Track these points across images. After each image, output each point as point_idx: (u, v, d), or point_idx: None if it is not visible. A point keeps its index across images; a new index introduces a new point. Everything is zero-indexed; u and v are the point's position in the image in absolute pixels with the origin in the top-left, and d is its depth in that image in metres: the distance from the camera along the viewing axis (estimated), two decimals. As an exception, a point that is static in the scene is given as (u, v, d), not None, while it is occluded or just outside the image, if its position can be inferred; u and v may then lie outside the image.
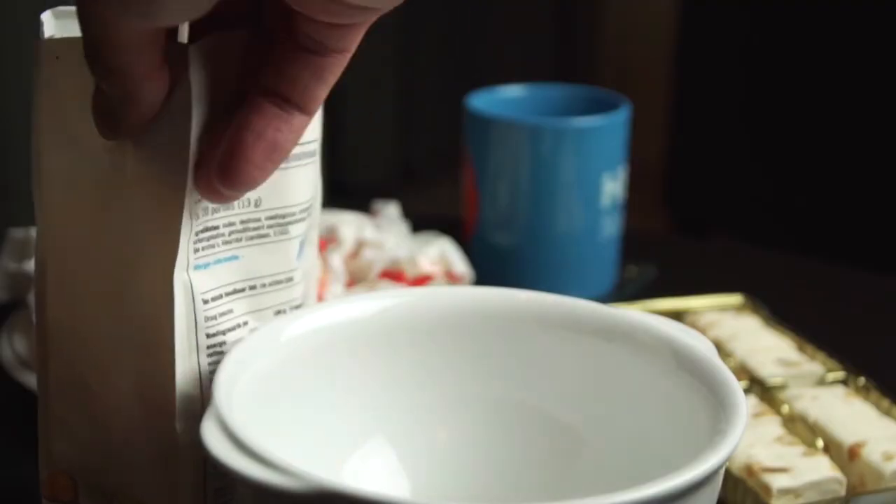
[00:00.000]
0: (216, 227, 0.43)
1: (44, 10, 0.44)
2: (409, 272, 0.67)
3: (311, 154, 0.46)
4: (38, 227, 0.44)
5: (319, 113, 0.45)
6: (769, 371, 0.63)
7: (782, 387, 0.62)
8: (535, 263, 0.78)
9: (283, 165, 0.42)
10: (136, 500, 0.45)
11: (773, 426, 0.58)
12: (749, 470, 0.54)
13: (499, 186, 0.78)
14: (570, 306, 0.51)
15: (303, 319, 0.49)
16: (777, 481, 0.53)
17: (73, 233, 0.44)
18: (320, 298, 0.61)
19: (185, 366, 0.43)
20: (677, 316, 0.70)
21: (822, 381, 0.63)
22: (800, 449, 0.56)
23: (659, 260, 0.84)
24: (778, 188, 1.91)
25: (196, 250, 0.43)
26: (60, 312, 0.45)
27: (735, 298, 0.73)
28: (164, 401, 0.43)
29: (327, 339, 0.49)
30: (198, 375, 0.44)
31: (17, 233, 0.67)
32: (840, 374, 0.63)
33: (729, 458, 0.40)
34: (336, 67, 0.41)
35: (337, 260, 0.66)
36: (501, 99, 0.83)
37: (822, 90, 1.82)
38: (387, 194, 0.83)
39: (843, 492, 0.54)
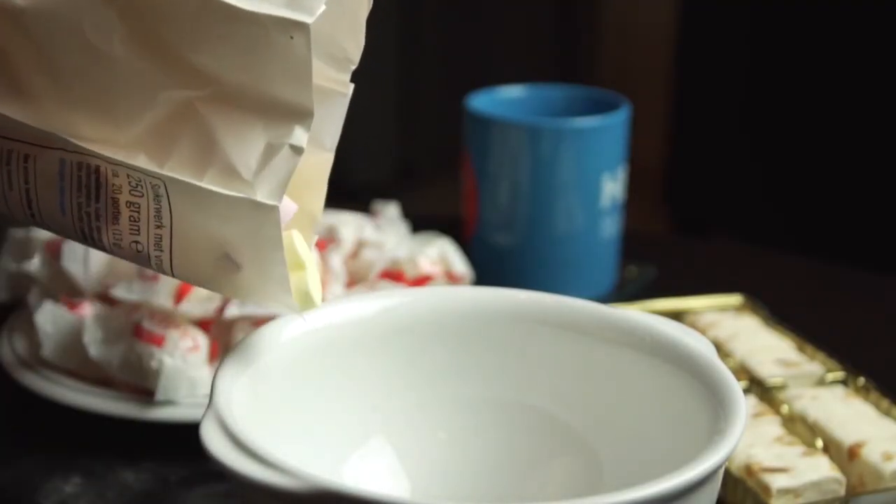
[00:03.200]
0: None
1: None
2: (409, 272, 0.67)
3: None
4: None
5: None
6: (769, 371, 0.63)
7: (782, 387, 0.62)
8: (535, 263, 0.78)
9: None
10: None
11: (772, 426, 0.58)
12: (749, 470, 0.54)
13: (499, 186, 0.78)
14: (570, 306, 0.51)
15: (303, 319, 0.49)
16: (777, 481, 0.53)
17: None
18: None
19: None
20: (677, 316, 0.70)
21: (821, 382, 0.63)
22: (799, 449, 0.56)
23: (659, 260, 0.84)
24: (778, 188, 1.91)
25: None
26: None
27: (735, 298, 0.73)
28: None
29: (327, 340, 0.49)
30: None
31: (17, 233, 0.67)
32: (840, 375, 0.63)
33: (728, 458, 0.40)
34: None
35: (337, 260, 0.66)
36: (501, 99, 0.83)
37: (822, 90, 1.82)
38: (387, 194, 0.83)
39: (842, 492, 0.54)
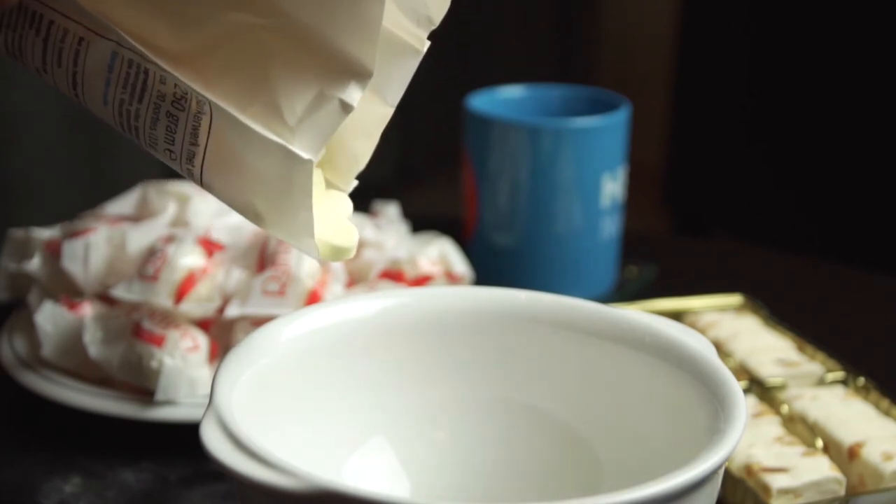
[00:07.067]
0: None
1: None
2: (409, 272, 0.67)
3: None
4: None
5: None
6: (769, 371, 0.63)
7: (782, 387, 0.62)
8: (535, 263, 0.78)
9: None
10: None
11: (772, 426, 0.58)
12: (749, 470, 0.54)
13: (499, 186, 0.78)
14: (569, 306, 0.51)
15: (303, 319, 0.49)
16: (777, 481, 0.53)
17: None
18: (320, 298, 0.61)
19: None
20: (677, 316, 0.70)
21: (821, 382, 0.63)
22: (799, 449, 0.56)
23: (659, 260, 0.84)
24: (778, 188, 1.91)
25: None
26: None
27: (735, 298, 0.73)
28: None
29: (327, 340, 0.49)
30: None
31: (17, 233, 0.67)
32: (840, 374, 0.63)
33: (728, 458, 0.40)
34: None
35: (337, 260, 0.66)
36: (501, 99, 0.83)
37: (822, 90, 1.82)
38: (387, 194, 0.83)
39: (842, 492, 0.54)
